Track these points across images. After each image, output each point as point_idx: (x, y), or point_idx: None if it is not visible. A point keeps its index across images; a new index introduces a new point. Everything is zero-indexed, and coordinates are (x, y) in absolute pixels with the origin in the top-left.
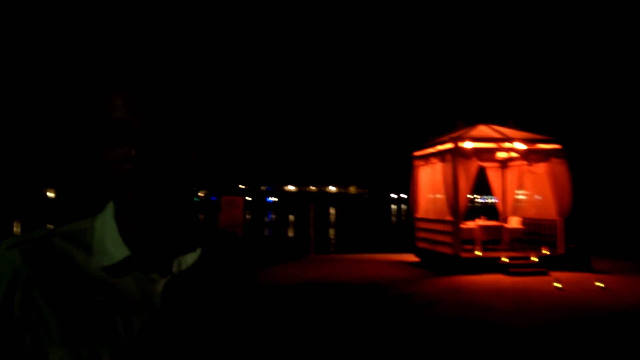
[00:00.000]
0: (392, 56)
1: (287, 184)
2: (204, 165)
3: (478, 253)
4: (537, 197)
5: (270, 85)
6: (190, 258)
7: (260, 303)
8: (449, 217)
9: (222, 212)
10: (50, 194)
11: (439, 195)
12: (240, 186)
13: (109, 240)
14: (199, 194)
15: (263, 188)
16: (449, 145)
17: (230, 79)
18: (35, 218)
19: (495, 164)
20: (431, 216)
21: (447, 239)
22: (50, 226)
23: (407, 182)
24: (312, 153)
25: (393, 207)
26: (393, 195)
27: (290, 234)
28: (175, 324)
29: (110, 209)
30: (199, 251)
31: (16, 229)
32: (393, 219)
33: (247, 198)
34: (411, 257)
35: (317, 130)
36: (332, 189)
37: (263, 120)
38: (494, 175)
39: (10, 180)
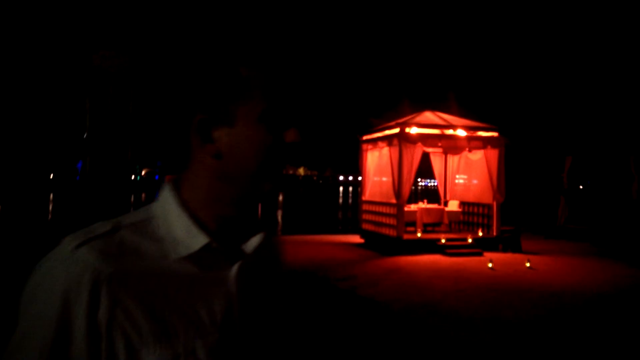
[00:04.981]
0: (337, 36)
1: None
2: (148, 143)
3: (419, 235)
4: (474, 182)
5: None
6: (254, 241)
7: (289, 286)
8: (393, 200)
9: None
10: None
11: (385, 179)
12: None
13: (180, 229)
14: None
15: None
16: (395, 130)
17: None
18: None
19: (438, 149)
20: (377, 199)
21: (390, 221)
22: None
23: (355, 165)
24: None
25: (342, 189)
26: (342, 178)
27: None
28: (250, 309)
29: (171, 196)
30: (262, 234)
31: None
32: (340, 201)
33: None
34: (357, 239)
35: None
36: None
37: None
38: (436, 160)
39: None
